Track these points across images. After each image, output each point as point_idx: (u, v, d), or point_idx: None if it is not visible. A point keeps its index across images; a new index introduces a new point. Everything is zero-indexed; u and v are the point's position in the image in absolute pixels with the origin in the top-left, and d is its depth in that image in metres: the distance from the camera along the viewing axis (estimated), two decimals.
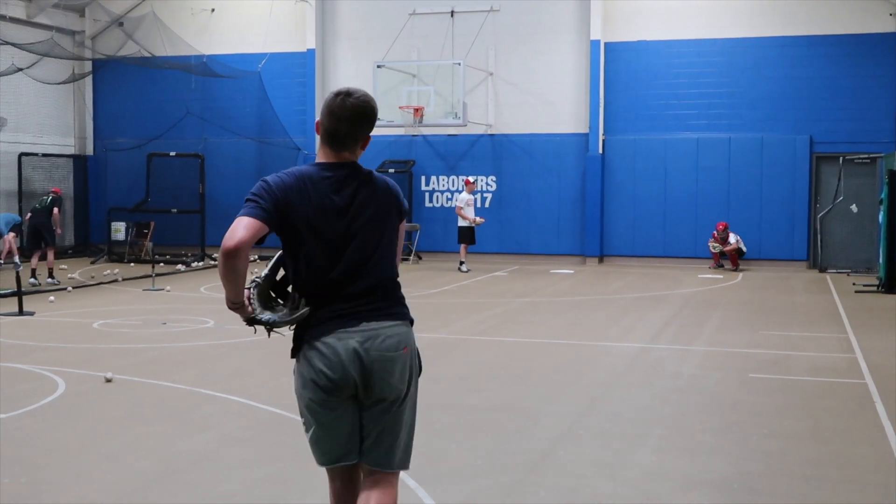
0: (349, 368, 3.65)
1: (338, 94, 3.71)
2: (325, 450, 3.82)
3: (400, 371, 3.73)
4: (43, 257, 16.92)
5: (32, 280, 16.32)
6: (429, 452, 6.17)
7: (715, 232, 20.15)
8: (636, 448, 6.38)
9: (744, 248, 20.08)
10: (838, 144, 20.19)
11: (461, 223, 19.71)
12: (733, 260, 19.89)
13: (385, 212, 3.83)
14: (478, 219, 19.79)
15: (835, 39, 20.12)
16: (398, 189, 3.96)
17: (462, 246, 19.78)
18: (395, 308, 3.79)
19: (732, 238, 19.94)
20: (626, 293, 15.83)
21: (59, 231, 17.50)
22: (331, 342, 3.66)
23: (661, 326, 12.00)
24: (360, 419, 3.78)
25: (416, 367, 3.85)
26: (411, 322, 3.85)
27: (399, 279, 3.91)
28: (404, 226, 4.01)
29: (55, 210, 17.20)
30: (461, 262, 19.70)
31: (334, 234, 3.68)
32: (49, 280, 16.66)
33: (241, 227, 3.52)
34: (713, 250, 20.15)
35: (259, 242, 3.63)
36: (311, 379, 3.69)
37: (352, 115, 3.69)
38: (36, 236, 16.97)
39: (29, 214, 17.56)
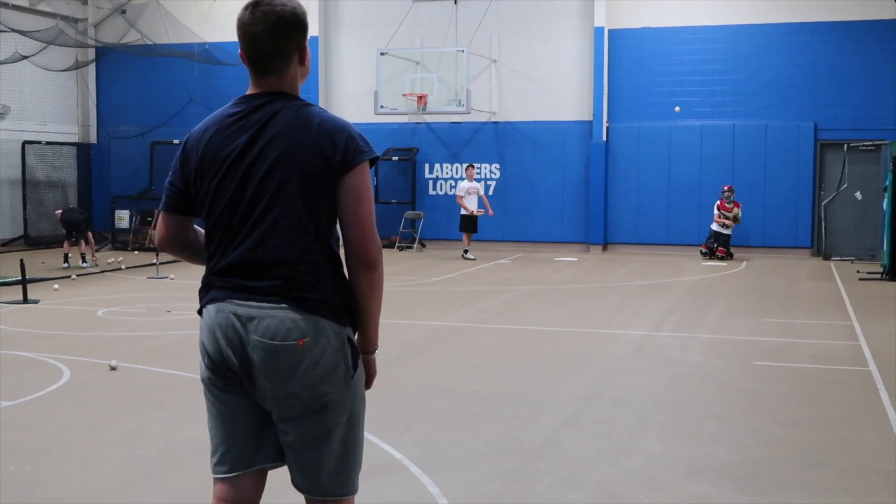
0: (225, 349, 3.01)
1: (247, 6, 3.01)
2: (212, 449, 3.19)
3: (297, 368, 2.95)
4: (75, 244, 17.74)
5: (65, 265, 17.27)
6: (432, 440, 6.18)
7: (722, 198, 19.93)
8: (640, 435, 6.38)
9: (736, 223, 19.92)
10: (842, 131, 20.14)
11: (463, 212, 19.69)
12: (723, 249, 19.72)
13: (295, 161, 2.94)
14: (477, 210, 19.72)
15: (839, 26, 20.05)
16: (341, 130, 2.98)
17: (465, 234, 19.76)
18: (297, 291, 2.95)
19: (738, 210, 19.80)
20: (630, 281, 15.83)
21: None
22: (211, 310, 3.06)
23: (664, 314, 12.00)
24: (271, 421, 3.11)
25: (340, 369, 3.01)
26: (333, 316, 2.99)
27: (326, 256, 3.02)
28: (355, 184, 2.97)
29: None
30: (465, 251, 19.68)
31: (231, 182, 3.01)
32: (83, 265, 17.36)
33: (159, 225, 3.25)
34: (720, 227, 19.85)
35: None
36: (200, 346, 3.15)
37: (266, 26, 2.96)
38: (70, 229, 17.61)
39: (60, 211, 18.20)
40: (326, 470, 3.08)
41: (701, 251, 19.97)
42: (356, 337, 3.15)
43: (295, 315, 2.93)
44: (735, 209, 19.75)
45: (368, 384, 3.22)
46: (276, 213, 2.95)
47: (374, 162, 3.03)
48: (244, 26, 2.99)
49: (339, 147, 2.94)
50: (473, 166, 20.49)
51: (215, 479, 3.18)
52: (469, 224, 19.69)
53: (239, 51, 3.07)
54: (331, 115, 3.05)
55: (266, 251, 2.96)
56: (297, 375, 2.95)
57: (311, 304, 2.95)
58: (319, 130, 2.95)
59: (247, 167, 2.98)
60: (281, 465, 3.20)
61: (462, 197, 19.60)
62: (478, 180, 21.18)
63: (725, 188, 19.89)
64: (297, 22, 3.00)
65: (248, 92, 3.08)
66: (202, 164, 3.06)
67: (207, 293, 3.10)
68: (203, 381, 3.17)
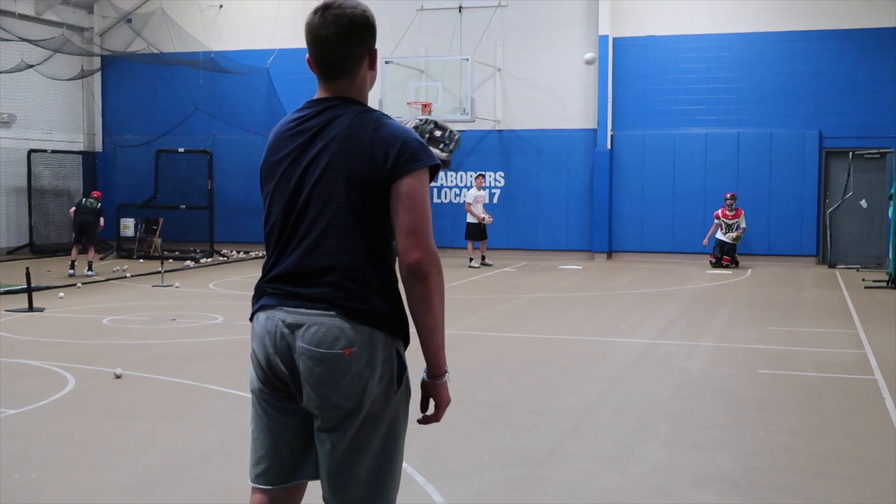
0: (274, 357, 2.96)
1: (316, 10, 2.98)
2: (253, 457, 3.13)
3: (342, 379, 2.88)
4: (83, 251, 17.79)
5: (71, 271, 17.36)
6: (437, 448, 6.17)
7: (724, 206, 19.92)
8: (644, 443, 6.37)
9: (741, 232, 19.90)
10: (848, 139, 20.14)
11: (469, 219, 19.72)
12: (728, 258, 19.72)
13: (347, 165, 2.89)
14: (487, 217, 19.77)
15: (844, 34, 20.05)
16: (396, 136, 2.90)
17: (470, 242, 19.77)
18: (345, 300, 2.88)
19: (744, 221, 19.77)
20: (635, 289, 15.81)
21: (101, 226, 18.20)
22: (261, 318, 3.00)
23: (669, 322, 11.99)
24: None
25: (384, 382, 2.96)
26: (382, 326, 2.94)
27: (377, 266, 2.96)
28: (406, 190, 2.88)
29: (101, 219, 17.95)
30: (470, 259, 19.69)
31: (286, 189, 2.99)
32: (88, 272, 17.42)
33: None
34: (723, 236, 19.85)
35: None
36: (252, 355, 3.08)
37: (336, 29, 2.93)
38: (80, 232, 17.71)
39: (74, 209, 18.20)
40: (358, 484, 2.97)
41: (710, 261, 19.94)
42: (424, 368, 3.06)
43: (343, 323, 2.86)
44: (737, 219, 19.71)
45: (439, 413, 3.10)
46: (326, 221, 2.91)
47: (434, 172, 2.95)
48: (314, 30, 2.95)
49: (391, 154, 2.87)
50: (483, 175, 20.53)
51: (254, 487, 3.15)
52: (476, 232, 19.68)
53: (307, 56, 3.02)
54: (391, 122, 2.97)
55: (317, 259, 2.91)
56: (341, 386, 2.88)
57: (359, 312, 2.88)
58: (374, 137, 2.89)
59: (301, 173, 2.95)
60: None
61: (470, 204, 19.62)
62: (483, 187, 21.22)
63: (728, 196, 19.87)
64: (367, 24, 2.98)
65: (316, 96, 3.05)
66: (263, 169, 3.08)
67: (258, 300, 3.04)
68: (253, 391, 3.11)
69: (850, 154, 19.89)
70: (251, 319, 3.09)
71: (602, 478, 5.63)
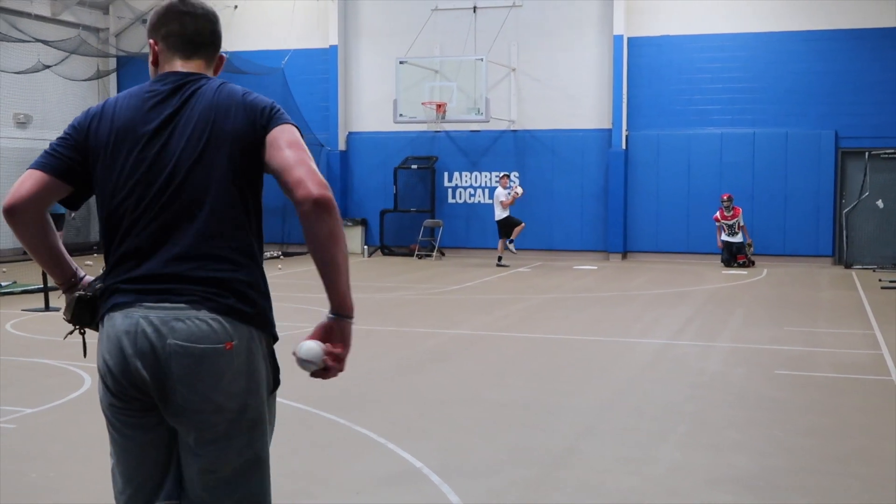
0: (133, 360, 2.66)
1: (170, 2, 2.94)
2: (115, 486, 2.84)
3: (222, 376, 2.64)
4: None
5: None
6: (451, 448, 6.18)
7: (721, 208, 19.88)
8: (660, 444, 6.36)
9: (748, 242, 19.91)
10: (864, 139, 20.04)
11: (500, 216, 19.44)
12: (742, 255, 19.71)
13: (227, 130, 2.74)
14: (517, 191, 19.55)
15: (860, 33, 19.95)
16: (268, 100, 2.84)
17: (501, 241, 19.56)
18: (217, 295, 2.66)
19: (741, 218, 19.75)
20: (650, 289, 15.78)
21: None
22: (116, 318, 2.70)
23: (684, 322, 11.96)
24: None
25: (264, 381, 2.75)
26: (259, 323, 2.73)
27: (251, 256, 2.77)
28: (283, 133, 2.76)
29: None
30: (499, 257, 19.59)
31: (138, 167, 2.74)
32: None
33: (19, 182, 2.81)
34: (728, 237, 19.85)
35: (69, 203, 2.93)
36: (99, 369, 2.79)
37: (202, 10, 2.95)
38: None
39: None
40: (245, 498, 2.73)
41: (721, 262, 19.91)
42: (329, 307, 2.76)
43: (219, 316, 2.64)
44: (736, 218, 19.70)
45: (341, 361, 2.75)
46: (194, 204, 2.70)
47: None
48: (181, 6, 2.91)
49: (265, 112, 2.78)
50: (508, 176, 20.46)
51: None
52: (508, 227, 19.52)
53: (150, 41, 2.91)
54: (256, 94, 2.88)
55: (179, 245, 2.68)
56: (223, 384, 2.63)
57: (235, 302, 2.67)
58: (245, 99, 2.80)
59: (158, 153, 2.73)
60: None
61: (503, 202, 19.46)
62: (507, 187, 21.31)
63: (724, 197, 19.84)
64: (217, 26, 3.03)
65: (168, 70, 2.90)
66: (109, 142, 2.79)
67: (109, 299, 2.75)
68: (104, 410, 2.81)
69: (867, 154, 19.79)
70: (96, 326, 2.86)
71: (617, 478, 5.62)
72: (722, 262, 19.87)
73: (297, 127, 2.82)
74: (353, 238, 22.81)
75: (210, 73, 2.97)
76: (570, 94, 21.79)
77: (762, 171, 20.59)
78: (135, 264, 2.71)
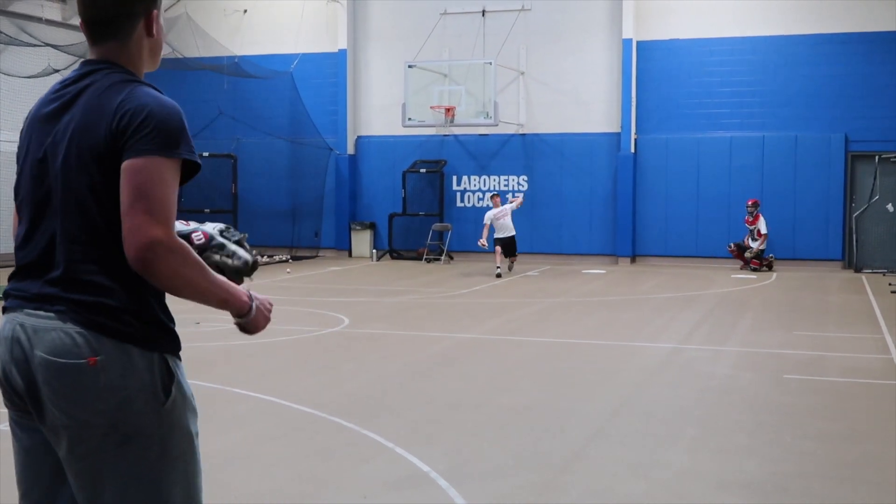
0: (9, 366, 2.52)
1: None
2: (20, 495, 2.67)
3: (86, 392, 2.44)
4: None
5: None
6: (460, 452, 6.17)
7: (748, 216, 19.99)
8: (669, 448, 6.34)
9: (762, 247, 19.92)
10: (874, 143, 19.98)
11: (497, 235, 18.71)
12: (756, 261, 19.74)
13: (85, 139, 2.49)
14: (519, 200, 19.35)
15: (870, 36, 19.90)
16: (149, 106, 2.51)
17: (497, 249, 18.85)
18: (87, 298, 2.47)
19: (762, 226, 19.76)
20: (658, 293, 15.75)
21: None
22: (3, 322, 2.60)
23: (693, 326, 11.93)
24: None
25: (145, 395, 2.52)
26: (132, 338, 2.51)
27: (123, 267, 2.49)
28: (137, 169, 2.45)
29: None
30: (497, 267, 18.96)
31: (33, 163, 2.60)
32: None
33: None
34: (751, 241, 19.93)
35: None
36: None
37: None
38: None
39: None
40: None
41: (745, 265, 19.94)
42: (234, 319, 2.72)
43: (83, 329, 2.45)
44: (755, 224, 19.74)
45: (259, 323, 2.78)
46: (68, 208, 2.50)
47: (192, 171, 2.63)
48: None
49: (133, 124, 2.46)
50: (498, 195, 19.69)
51: None
52: (505, 246, 18.74)
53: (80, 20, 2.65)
54: (152, 94, 2.56)
55: (58, 254, 2.51)
56: (87, 401, 2.44)
57: (104, 316, 2.47)
58: (120, 105, 2.48)
59: (47, 146, 2.55)
60: None
61: (487, 226, 18.63)
62: (506, 192, 21.21)
63: (749, 203, 19.87)
64: None
65: (83, 59, 2.68)
66: (21, 134, 2.69)
67: (5, 301, 2.62)
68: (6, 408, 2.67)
69: (877, 158, 19.74)
70: None
71: (626, 482, 5.60)
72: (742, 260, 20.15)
73: (165, 153, 2.52)
74: (362, 242, 22.84)
75: (127, 58, 2.64)
76: (579, 98, 21.77)
77: (772, 175, 20.55)
78: (25, 272, 2.60)
